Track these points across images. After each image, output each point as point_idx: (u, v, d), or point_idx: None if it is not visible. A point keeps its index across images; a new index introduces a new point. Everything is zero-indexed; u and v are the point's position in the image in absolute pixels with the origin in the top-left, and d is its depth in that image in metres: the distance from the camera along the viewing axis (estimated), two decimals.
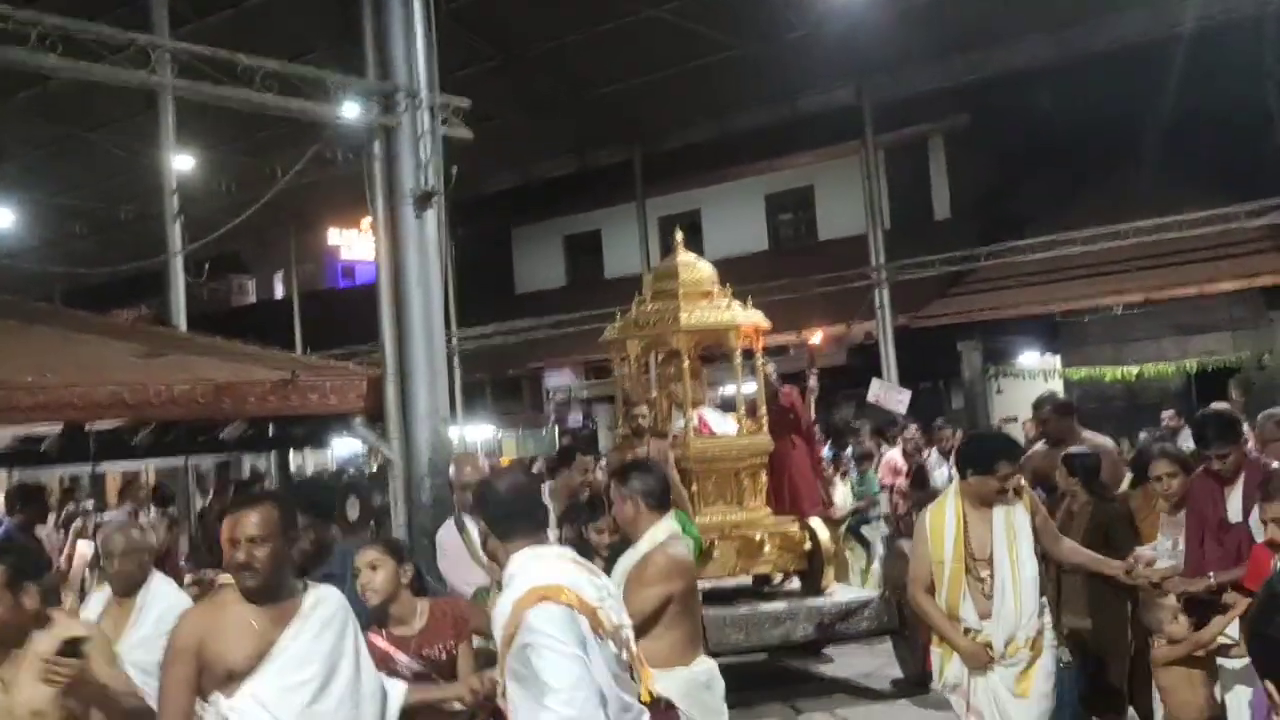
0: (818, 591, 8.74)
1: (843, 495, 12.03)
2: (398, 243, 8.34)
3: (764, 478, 9.09)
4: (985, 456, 5.27)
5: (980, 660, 5.11)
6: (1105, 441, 7.56)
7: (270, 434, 8.94)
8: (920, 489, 10.82)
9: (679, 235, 9.43)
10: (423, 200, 8.28)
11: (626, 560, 4.83)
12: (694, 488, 8.73)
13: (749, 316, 8.97)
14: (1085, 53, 16.67)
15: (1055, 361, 19.91)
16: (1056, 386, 19.28)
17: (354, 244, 32.08)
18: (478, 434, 24.33)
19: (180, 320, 11.48)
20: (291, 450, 9.56)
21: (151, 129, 12.17)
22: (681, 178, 22.25)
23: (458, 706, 4.14)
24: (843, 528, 11.36)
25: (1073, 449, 6.90)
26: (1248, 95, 16.85)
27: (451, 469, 6.55)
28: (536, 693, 3.10)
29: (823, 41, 15.80)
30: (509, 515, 3.43)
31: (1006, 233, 18.58)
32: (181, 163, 12.83)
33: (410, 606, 4.54)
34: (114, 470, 17.08)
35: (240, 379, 7.64)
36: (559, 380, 25.34)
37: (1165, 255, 17.22)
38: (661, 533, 4.76)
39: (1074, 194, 18.61)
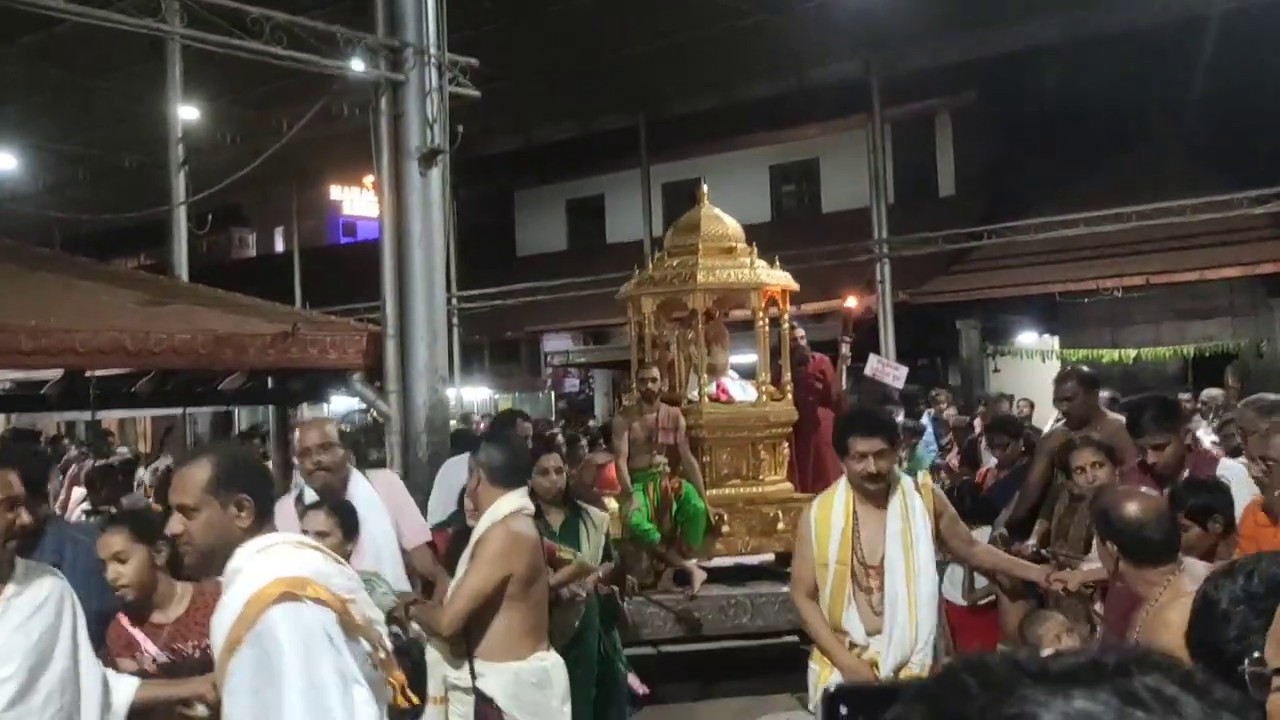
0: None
1: None
2: (402, 200, 8.35)
3: (786, 450, 8.65)
4: (839, 434, 4.66)
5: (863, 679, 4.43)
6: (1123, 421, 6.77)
7: (269, 388, 8.97)
8: (971, 468, 9.77)
9: (704, 188, 8.92)
10: (428, 158, 8.29)
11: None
12: (706, 458, 8.31)
13: (775, 276, 8.47)
14: (1096, 33, 16.62)
15: (1053, 342, 19.95)
16: (1053, 367, 19.33)
17: (355, 201, 32.05)
18: (474, 396, 24.40)
19: (182, 271, 11.49)
20: (289, 406, 9.59)
21: (157, 78, 12.14)
22: (686, 145, 22.21)
23: (200, 711, 3.46)
24: None
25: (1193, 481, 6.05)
26: (1257, 81, 16.82)
27: (295, 433, 5.95)
28: (277, 708, 2.66)
29: (833, 13, 15.74)
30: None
31: (1009, 211, 18.58)
32: (187, 113, 12.79)
33: (170, 591, 3.91)
34: (111, 417, 17.13)
35: (241, 330, 7.68)
36: (557, 345, 25.38)
37: (1167, 239, 17.23)
38: (505, 508, 4.41)
39: (1078, 175, 18.59)
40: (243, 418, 19.11)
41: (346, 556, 4.34)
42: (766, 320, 8.54)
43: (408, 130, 8.31)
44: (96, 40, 13.04)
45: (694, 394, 8.50)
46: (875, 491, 4.55)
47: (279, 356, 7.77)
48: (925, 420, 13.10)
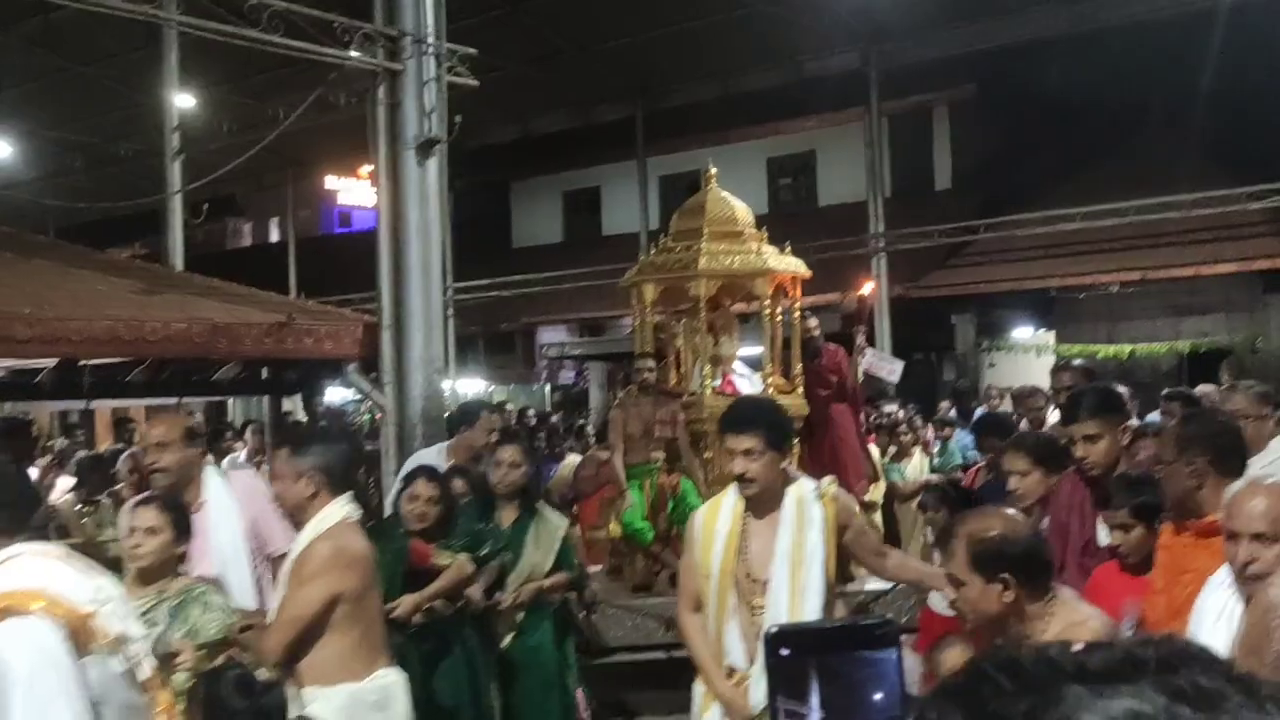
0: (846, 578, 7.55)
1: (917, 468, 10.82)
2: (399, 190, 8.34)
3: (796, 446, 7.99)
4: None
5: (740, 712, 4.02)
6: None
7: (264, 377, 8.97)
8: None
9: (711, 170, 8.48)
10: (425, 148, 8.28)
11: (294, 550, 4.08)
12: (708, 454, 7.86)
13: (784, 263, 8.06)
14: (1095, 27, 16.61)
15: (1049, 337, 19.96)
16: (1049, 362, 19.36)
17: (351, 191, 31.98)
18: (469, 388, 24.38)
19: (177, 260, 11.48)
20: (284, 395, 9.59)
21: (152, 65, 12.11)
22: (683, 137, 22.18)
23: None
24: (914, 503, 10.10)
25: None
26: (1256, 77, 16.82)
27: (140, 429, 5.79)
28: None
29: (831, 5, 15.73)
30: None
31: (1007, 206, 18.58)
32: (182, 101, 12.77)
33: None
34: (104, 408, 17.10)
35: (237, 320, 7.68)
36: (553, 337, 25.37)
37: (1164, 235, 17.25)
38: (330, 518, 3.99)
39: (1076, 170, 18.60)
40: (236, 408, 19.09)
41: (179, 558, 4.19)
42: (773, 309, 8.13)
43: (405, 120, 8.30)
44: (93, 27, 13.01)
45: (697, 386, 8.11)
46: (757, 498, 4.06)
47: (274, 346, 7.78)
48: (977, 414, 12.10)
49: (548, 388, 26.14)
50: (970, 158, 21.08)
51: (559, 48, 18.13)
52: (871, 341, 17.02)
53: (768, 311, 8.04)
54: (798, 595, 3.98)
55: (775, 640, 0.95)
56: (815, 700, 0.92)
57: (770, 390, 7.96)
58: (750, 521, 4.11)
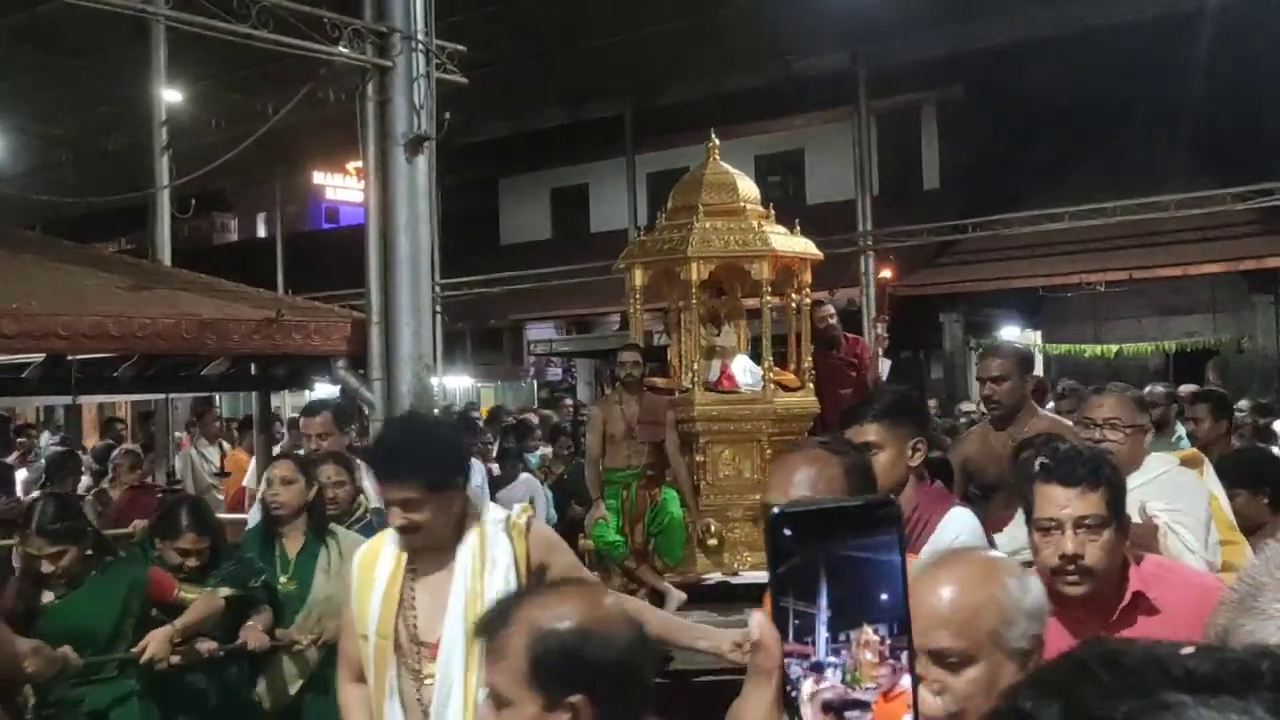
0: None
1: None
2: (387, 186, 8.34)
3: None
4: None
5: None
6: (1065, 424, 5.10)
7: (253, 373, 8.97)
8: None
9: (714, 141, 7.86)
10: (414, 144, 8.28)
11: None
12: (700, 457, 7.26)
13: (789, 243, 7.40)
14: (1083, 28, 16.68)
15: (1036, 336, 20.06)
16: (1036, 361, 19.44)
17: (339, 187, 31.94)
18: (456, 385, 24.37)
19: (165, 256, 11.45)
20: (273, 391, 9.59)
21: (140, 60, 12.08)
22: (672, 135, 22.20)
23: None
24: None
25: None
26: (1242, 78, 16.91)
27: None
28: None
29: (820, 4, 15.76)
30: None
31: (994, 205, 18.65)
32: (170, 96, 12.74)
33: None
34: (90, 403, 17.06)
35: (225, 315, 7.68)
36: (540, 334, 25.38)
37: (1150, 235, 17.34)
38: None
39: (1063, 169, 18.68)
40: (224, 403, 19.07)
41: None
42: (770, 293, 7.42)
43: (394, 116, 8.29)
44: (80, 21, 12.96)
45: (689, 382, 7.44)
46: (425, 545, 3.18)
47: (263, 342, 7.78)
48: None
49: (535, 384, 26.15)
50: (958, 157, 21.16)
51: (549, 45, 18.13)
52: (891, 334, 16.82)
53: (768, 297, 7.35)
54: (473, 660, 2.98)
55: (778, 522, 0.95)
56: (824, 600, 0.92)
57: (771, 387, 7.32)
58: (418, 569, 3.20)
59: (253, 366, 8.89)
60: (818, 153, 22.64)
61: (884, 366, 11.05)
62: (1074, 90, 17.98)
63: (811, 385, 7.51)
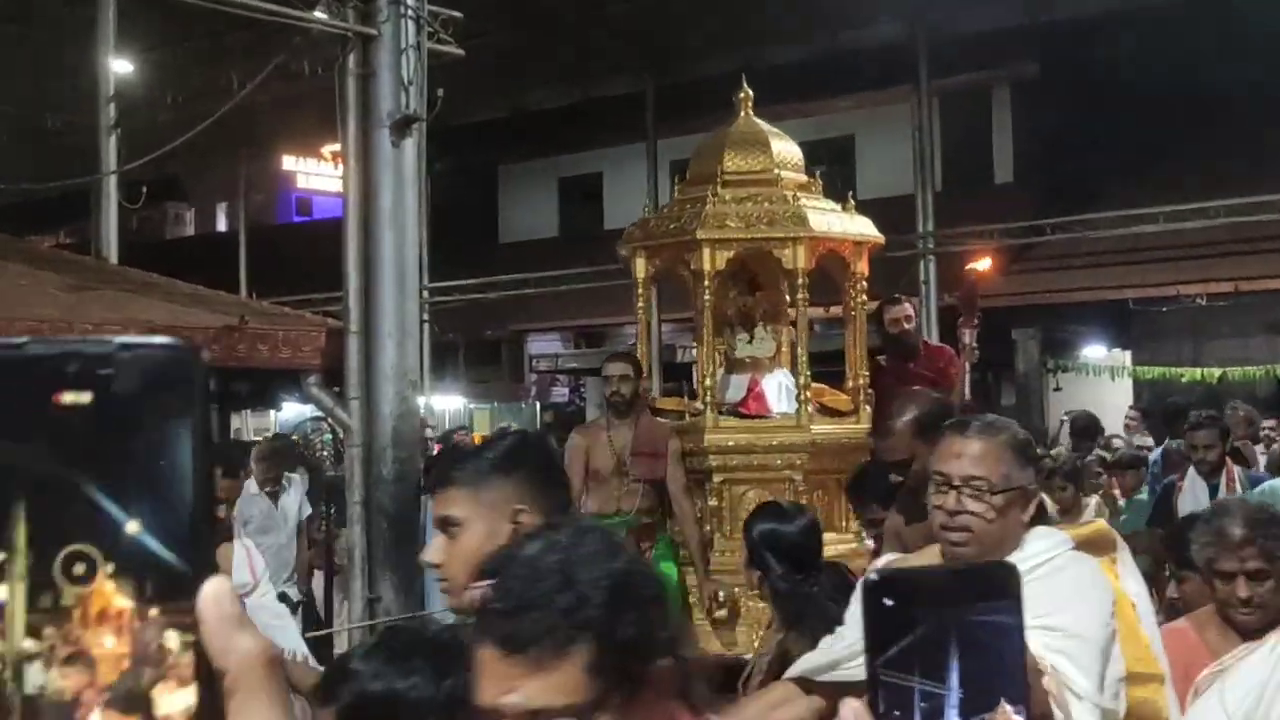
0: None
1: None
2: (370, 175, 8.38)
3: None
4: None
5: None
6: None
7: (210, 390, 9.01)
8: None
9: (745, 91, 7.52)
10: (401, 126, 8.32)
11: None
12: (714, 501, 6.61)
13: (835, 222, 6.80)
14: None
15: (1125, 357, 20.00)
16: (1125, 386, 19.39)
17: (312, 174, 32.08)
18: (446, 404, 24.42)
19: (111, 251, 11.51)
20: (233, 411, 9.65)
21: (84, 25, 12.18)
22: (699, 117, 22.17)
23: None
24: None
25: None
26: None
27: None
28: None
29: None
30: None
31: (1076, 203, 18.62)
32: (119, 67, 12.83)
33: None
34: None
35: (180, 322, 7.72)
36: (544, 347, 25.42)
37: (1260, 239, 17.26)
38: None
39: (1158, 162, 18.63)
40: None
41: None
42: (805, 288, 6.70)
43: (378, 93, 8.33)
44: None
45: (703, 402, 6.83)
46: None
47: (223, 354, 7.80)
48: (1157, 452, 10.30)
49: (538, 406, 26.17)
50: (1034, 147, 21.12)
51: (556, 12, 18.20)
52: (981, 344, 16.27)
53: (801, 296, 6.67)
54: None
55: (876, 590, 0.94)
56: (953, 677, 0.91)
57: (809, 410, 6.64)
58: None
59: (212, 382, 8.93)
60: (870, 139, 22.64)
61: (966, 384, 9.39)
62: (1169, 69, 17.93)
63: (869, 409, 6.78)
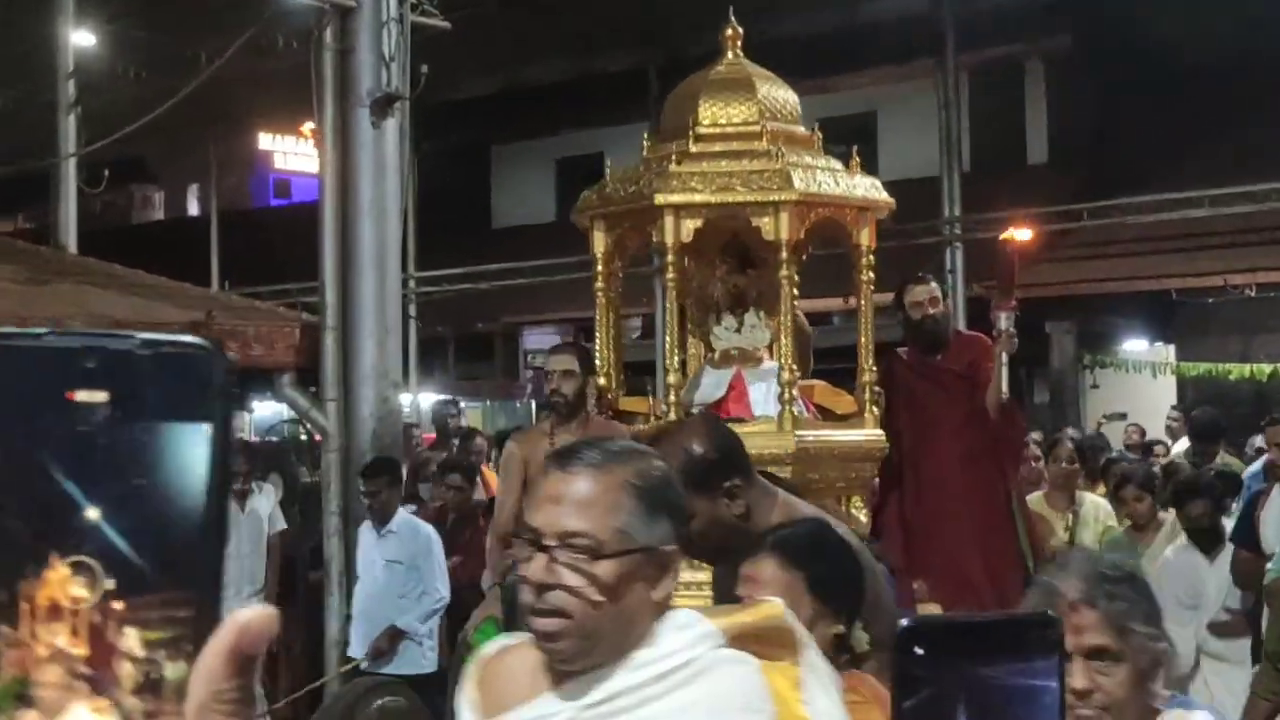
0: None
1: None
2: (348, 158, 8.38)
3: (865, 510, 6.18)
4: None
5: None
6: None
7: (234, 391, 9.02)
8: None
9: (733, 26, 6.79)
10: (382, 105, 8.32)
11: None
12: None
13: (827, 183, 6.03)
14: None
15: (1168, 352, 19.96)
16: (1167, 384, 19.35)
17: (290, 153, 32.07)
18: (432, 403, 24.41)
19: (70, 238, 11.52)
20: None
21: None
22: None
23: None
24: None
25: None
26: None
27: None
28: None
29: None
30: None
31: (1116, 186, 18.57)
32: (80, 39, 12.83)
33: None
34: None
35: (143, 317, 7.74)
36: (541, 341, 25.40)
37: None
38: None
39: (1204, 142, 18.59)
40: None
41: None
42: (791, 265, 5.93)
43: (357, 70, 8.34)
44: None
45: (667, 402, 6.09)
46: None
47: None
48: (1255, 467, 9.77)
49: (534, 405, 26.16)
50: (1071, 125, 21.08)
51: None
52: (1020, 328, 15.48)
53: (784, 274, 5.90)
54: None
55: (909, 637, 0.94)
56: None
57: (797, 413, 5.91)
58: None
59: (234, 383, 8.94)
60: (893, 117, 22.60)
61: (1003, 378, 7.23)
62: (1217, 41, 17.89)
63: (876, 411, 6.13)
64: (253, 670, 0.74)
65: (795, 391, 5.95)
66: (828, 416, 6.33)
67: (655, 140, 6.57)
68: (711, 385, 6.15)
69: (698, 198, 5.88)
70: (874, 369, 6.20)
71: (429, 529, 8.44)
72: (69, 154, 11.52)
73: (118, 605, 0.72)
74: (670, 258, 5.98)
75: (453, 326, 24.27)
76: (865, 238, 6.22)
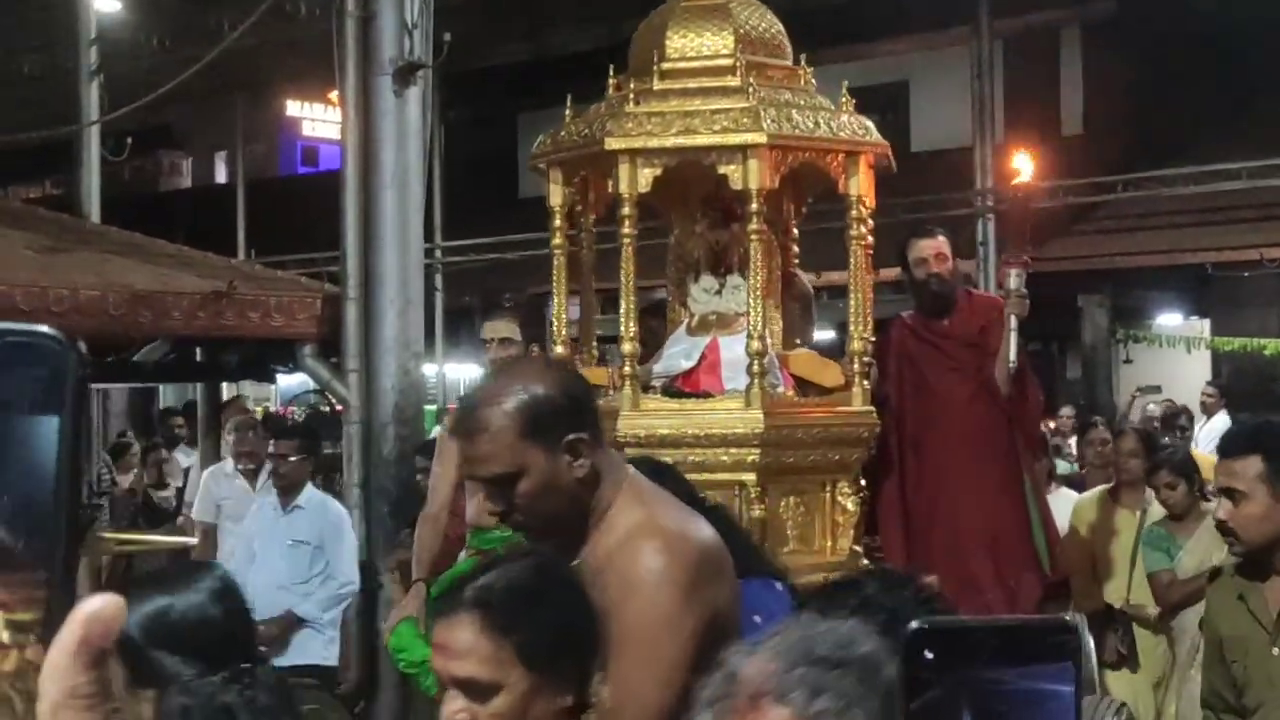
0: None
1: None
2: (370, 126, 8.35)
3: (852, 503, 5.41)
4: None
5: None
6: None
7: (197, 360, 9.03)
8: None
9: None
10: (405, 73, 8.28)
11: None
12: None
13: (805, 123, 5.33)
14: None
15: (1203, 326, 19.83)
16: (1202, 359, 19.23)
17: (319, 121, 32.10)
18: (461, 374, 24.45)
19: (93, 206, 11.54)
20: (223, 382, 9.67)
21: None
22: None
23: None
24: None
25: None
26: None
27: None
28: None
29: None
30: None
31: (1153, 158, 18.44)
32: (103, 5, 12.83)
33: None
34: None
35: (164, 287, 7.75)
36: (569, 311, 25.41)
37: None
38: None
39: (1243, 112, 18.44)
40: (167, 394, 19.22)
41: None
42: (761, 217, 5.26)
43: (380, 37, 8.30)
44: None
45: (616, 376, 5.53)
46: None
47: (210, 321, 7.84)
48: None
49: None
50: (1108, 95, 20.90)
51: None
52: (1044, 310, 14.66)
53: (754, 227, 5.25)
54: None
55: (917, 641, 0.92)
56: None
57: (772, 388, 5.30)
58: None
59: (198, 352, 8.95)
60: (926, 86, 22.46)
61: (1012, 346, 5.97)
62: (1259, 9, 17.70)
63: (866, 385, 5.45)
64: (106, 662, 0.72)
65: (768, 362, 5.32)
66: (812, 390, 5.63)
67: (619, 78, 5.89)
68: (680, 354, 5.62)
69: (654, 142, 5.27)
70: (867, 338, 5.55)
71: (340, 507, 7.84)
72: (91, 121, 11.53)
73: None
74: (627, 210, 5.39)
75: (479, 297, 24.26)
76: (856, 186, 5.52)
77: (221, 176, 33.81)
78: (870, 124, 5.75)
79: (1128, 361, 20.11)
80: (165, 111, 21.62)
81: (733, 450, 5.20)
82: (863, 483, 5.60)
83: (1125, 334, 20.01)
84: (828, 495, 5.41)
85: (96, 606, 0.72)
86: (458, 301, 22.95)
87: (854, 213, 5.58)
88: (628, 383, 5.27)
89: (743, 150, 5.17)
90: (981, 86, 18.84)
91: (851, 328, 5.56)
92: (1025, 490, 5.92)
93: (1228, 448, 3.98)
